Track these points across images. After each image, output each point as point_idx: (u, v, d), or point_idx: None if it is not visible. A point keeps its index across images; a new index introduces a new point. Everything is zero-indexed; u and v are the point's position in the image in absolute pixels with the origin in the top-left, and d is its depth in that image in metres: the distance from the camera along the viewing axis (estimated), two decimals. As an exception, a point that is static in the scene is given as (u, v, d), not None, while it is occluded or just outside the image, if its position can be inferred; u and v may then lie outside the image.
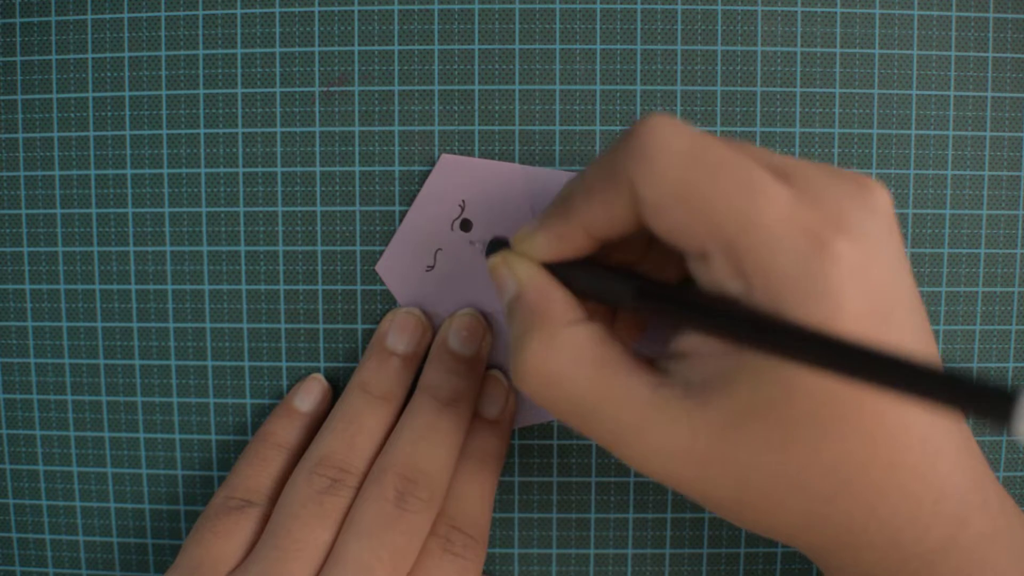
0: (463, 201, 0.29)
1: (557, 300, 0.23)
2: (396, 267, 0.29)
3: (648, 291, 0.21)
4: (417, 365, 0.28)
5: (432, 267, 0.29)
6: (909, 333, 0.20)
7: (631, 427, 0.21)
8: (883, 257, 0.20)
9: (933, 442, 0.20)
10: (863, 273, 0.19)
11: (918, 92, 0.29)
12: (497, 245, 0.25)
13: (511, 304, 0.23)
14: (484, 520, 0.27)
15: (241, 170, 0.29)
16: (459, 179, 0.29)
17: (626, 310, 0.24)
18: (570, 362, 0.22)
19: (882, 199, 0.20)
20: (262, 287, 0.30)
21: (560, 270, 0.23)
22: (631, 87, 0.29)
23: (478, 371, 0.28)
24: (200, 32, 0.29)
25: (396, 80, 0.29)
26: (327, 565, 0.24)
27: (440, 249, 0.29)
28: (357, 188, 0.29)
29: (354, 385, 0.28)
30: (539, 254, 0.23)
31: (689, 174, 0.20)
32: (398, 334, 0.28)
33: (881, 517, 0.20)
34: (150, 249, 0.30)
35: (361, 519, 0.25)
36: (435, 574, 0.25)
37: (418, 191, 0.29)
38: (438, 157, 0.29)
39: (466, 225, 0.29)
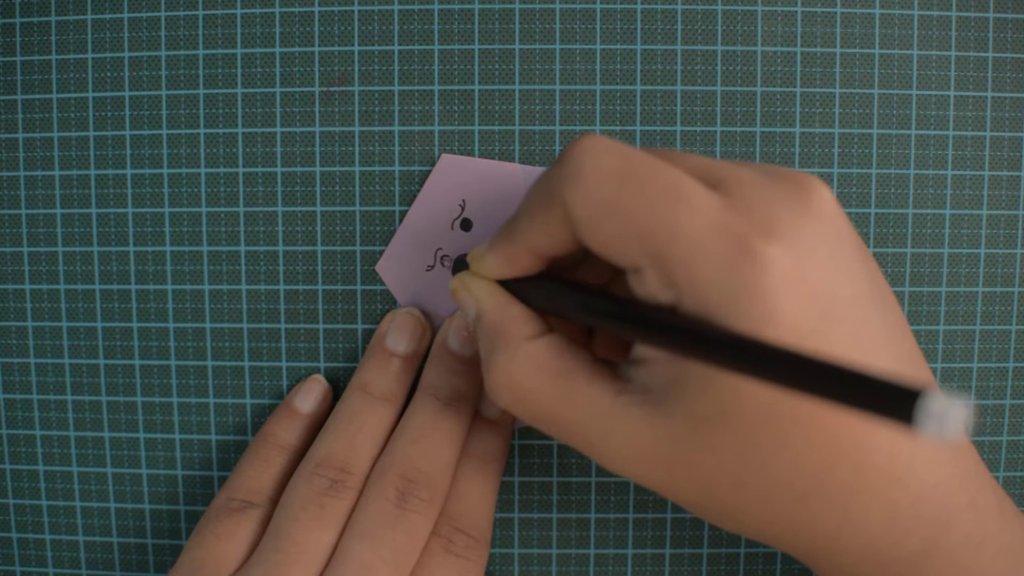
0: (463, 201, 0.29)
1: (515, 317, 0.23)
2: (396, 267, 0.29)
3: (590, 304, 0.22)
4: (417, 365, 0.28)
5: (432, 267, 0.29)
6: (860, 331, 0.20)
7: (597, 434, 0.21)
8: (821, 258, 0.19)
9: (905, 445, 0.20)
10: (796, 276, 0.19)
11: (918, 92, 0.29)
12: (461, 261, 0.26)
13: (474, 325, 0.24)
14: (486, 521, 0.27)
15: (241, 170, 0.29)
16: (459, 179, 0.29)
17: (585, 324, 0.24)
18: (532, 375, 0.22)
19: (821, 199, 0.20)
20: (262, 287, 0.30)
21: (516, 287, 0.24)
22: (631, 87, 0.29)
23: (478, 371, 0.28)
24: (200, 32, 0.29)
25: (396, 80, 0.29)
26: (330, 566, 0.24)
27: (440, 249, 0.29)
28: (357, 188, 0.29)
29: (354, 386, 0.28)
30: (492, 273, 0.24)
31: (617, 190, 0.20)
32: (398, 335, 0.28)
33: (854, 520, 0.20)
34: (150, 249, 0.30)
35: (363, 520, 0.25)
36: (437, 574, 0.25)
37: (418, 191, 0.29)
38: (438, 157, 0.29)
39: (466, 225, 0.29)
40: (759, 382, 0.17)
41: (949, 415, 0.14)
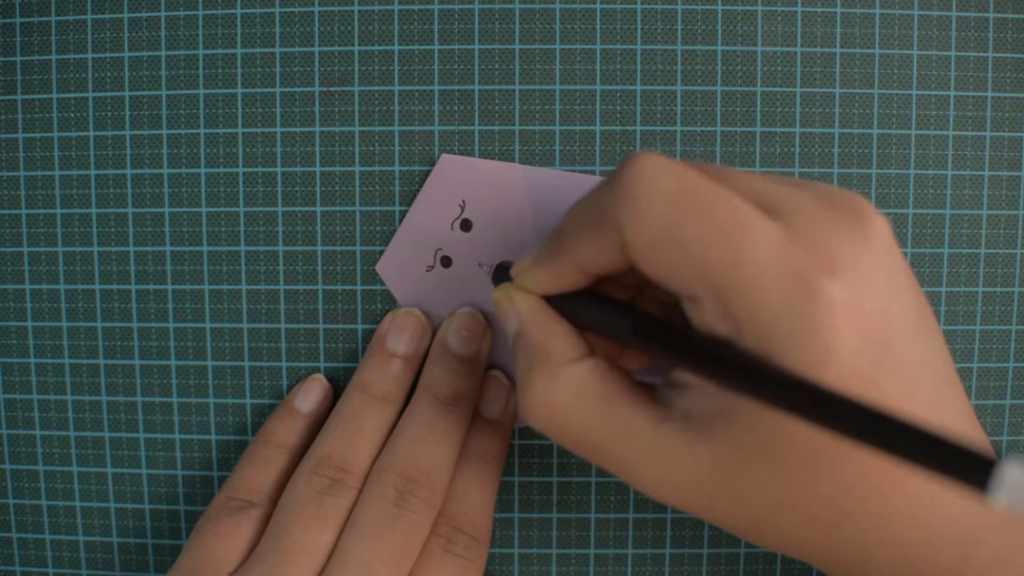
0: (463, 201, 0.29)
1: (558, 336, 0.23)
2: (396, 267, 0.29)
3: (644, 329, 0.21)
4: (417, 365, 0.28)
5: (432, 267, 0.29)
6: (912, 362, 0.20)
7: (636, 460, 0.21)
8: (878, 291, 0.19)
9: None
10: (855, 312, 0.19)
11: (918, 92, 0.29)
12: (503, 269, 0.25)
13: (515, 339, 0.24)
14: (486, 520, 0.27)
15: (241, 170, 0.29)
16: (459, 179, 0.29)
17: (625, 345, 0.24)
18: (573, 400, 0.22)
19: (879, 230, 0.20)
20: (262, 287, 0.30)
21: (561, 302, 0.23)
22: (631, 87, 0.29)
23: (478, 371, 0.28)
24: (200, 32, 0.29)
25: (396, 80, 0.29)
26: (329, 565, 0.24)
27: (440, 249, 0.29)
28: (357, 188, 0.29)
29: (354, 386, 0.28)
30: (537, 288, 0.23)
31: (675, 217, 0.19)
32: (398, 334, 0.28)
33: (889, 541, 0.20)
34: (150, 249, 0.30)
35: (362, 519, 0.25)
36: (436, 574, 0.25)
37: (418, 191, 0.29)
38: (438, 157, 0.29)
39: (466, 225, 0.29)
40: (817, 428, 0.17)
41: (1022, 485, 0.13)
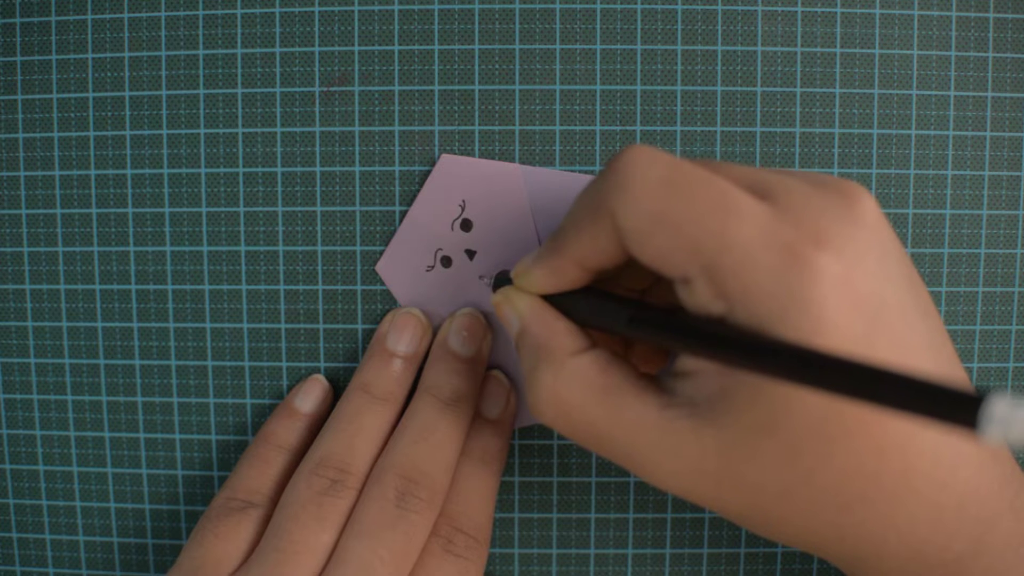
0: (463, 201, 0.29)
1: (559, 332, 0.23)
2: (396, 267, 0.29)
3: (640, 317, 0.22)
4: (418, 365, 0.28)
5: (432, 267, 0.29)
6: (905, 337, 0.20)
7: (643, 449, 0.21)
8: (869, 266, 0.19)
9: (950, 447, 0.20)
10: (846, 284, 0.19)
11: (918, 92, 0.29)
12: (503, 279, 0.26)
13: (517, 339, 0.24)
14: (486, 520, 0.27)
15: (241, 170, 0.29)
16: (459, 179, 0.29)
17: (628, 337, 0.24)
18: (579, 391, 0.22)
19: (867, 207, 0.20)
20: (262, 287, 0.30)
21: (560, 301, 0.24)
22: (631, 87, 0.29)
23: (479, 371, 0.28)
24: (200, 32, 0.29)
25: (396, 80, 0.29)
26: (329, 565, 0.24)
27: (440, 249, 0.29)
28: (357, 188, 0.29)
29: (355, 386, 0.28)
30: (537, 288, 0.24)
31: (665, 201, 0.20)
32: (398, 335, 0.28)
33: (900, 526, 0.20)
34: (150, 249, 0.30)
35: (362, 519, 0.25)
36: (436, 574, 0.25)
37: (418, 191, 0.29)
38: (438, 157, 0.29)
39: (466, 225, 0.29)
40: (814, 391, 0.17)
41: (1014, 418, 0.14)
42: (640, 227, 0.20)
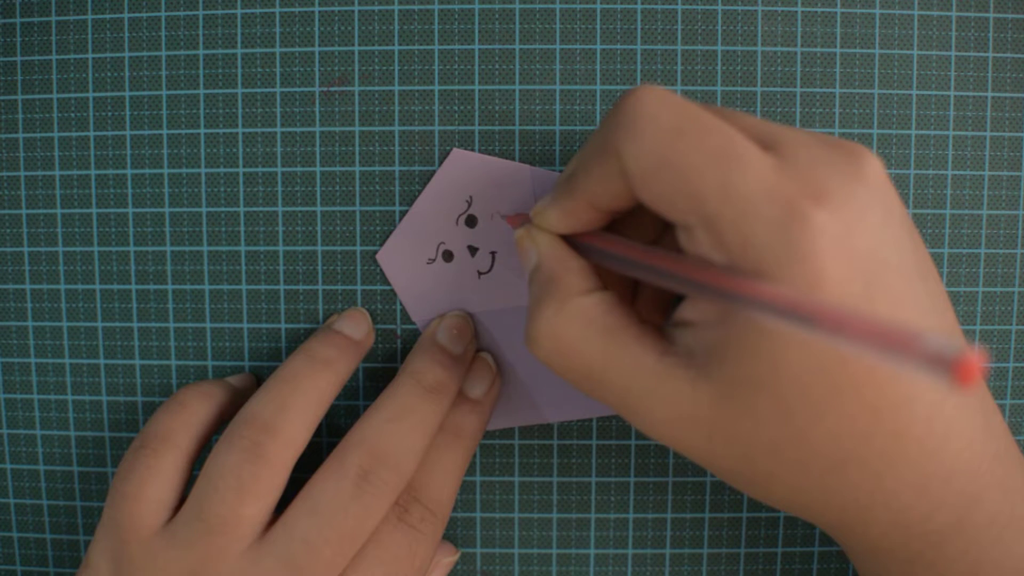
0: (470, 197, 0.29)
1: (572, 270, 0.23)
2: (397, 257, 0.29)
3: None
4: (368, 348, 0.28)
5: (433, 260, 0.29)
6: (906, 297, 0.20)
7: (637, 394, 0.21)
8: (869, 225, 0.19)
9: (943, 418, 0.20)
10: (845, 241, 0.19)
11: (918, 92, 0.29)
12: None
13: (531, 274, 0.24)
14: (447, 496, 0.27)
15: (241, 170, 0.29)
16: (468, 175, 0.29)
17: (638, 280, 0.24)
18: (579, 330, 0.22)
19: (872, 167, 0.20)
20: (262, 287, 0.30)
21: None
22: (631, 87, 0.29)
23: (460, 371, 0.28)
24: (200, 32, 0.29)
25: (396, 80, 0.29)
26: (270, 534, 0.24)
27: (443, 243, 0.29)
28: (357, 188, 0.29)
29: (298, 350, 0.27)
30: (553, 228, 0.24)
31: (671, 145, 0.20)
32: (349, 323, 0.28)
33: (887, 490, 0.20)
34: (150, 249, 0.30)
35: (318, 495, 0.24)
36: (386, 543, 0.25)
37: (420, 189, 0.29)
38: (438, 157, 0.29)
39: (471, 221, 0.29)
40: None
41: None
42: (645, 170, 0.20)
